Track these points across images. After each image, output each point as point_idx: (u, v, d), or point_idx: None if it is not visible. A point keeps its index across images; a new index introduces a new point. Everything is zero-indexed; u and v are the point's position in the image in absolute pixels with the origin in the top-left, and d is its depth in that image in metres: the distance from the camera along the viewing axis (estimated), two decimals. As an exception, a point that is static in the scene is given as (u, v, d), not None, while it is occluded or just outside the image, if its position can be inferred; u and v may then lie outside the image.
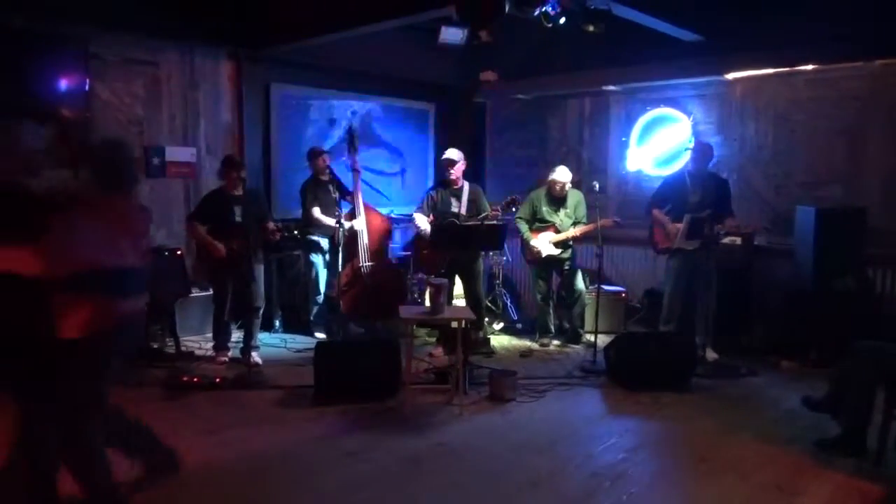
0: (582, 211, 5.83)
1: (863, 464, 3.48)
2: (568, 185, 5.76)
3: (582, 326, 6.00)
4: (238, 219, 4.97)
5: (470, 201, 5.49)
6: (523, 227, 5.85)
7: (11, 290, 2.55)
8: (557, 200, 5.80)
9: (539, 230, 5.82)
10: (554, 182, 5.74)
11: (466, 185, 5.53)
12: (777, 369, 5.22)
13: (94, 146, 2.96)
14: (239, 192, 5.07)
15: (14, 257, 2.50)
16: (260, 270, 5.14)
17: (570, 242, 5.81)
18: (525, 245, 5.87)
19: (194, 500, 3.10)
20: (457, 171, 5.46)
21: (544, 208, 5.81)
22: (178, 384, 4.56)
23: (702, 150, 5.36)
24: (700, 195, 5.25)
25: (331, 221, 5.49)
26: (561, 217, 5.77)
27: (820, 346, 5.14)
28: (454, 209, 5.47)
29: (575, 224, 5.78)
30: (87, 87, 5.27)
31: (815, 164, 5.80)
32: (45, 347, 2.56)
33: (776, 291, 5.67)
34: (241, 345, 5.18)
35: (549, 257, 5.77)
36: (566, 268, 5.88)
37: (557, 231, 5.76)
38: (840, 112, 5.64)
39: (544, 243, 5.75)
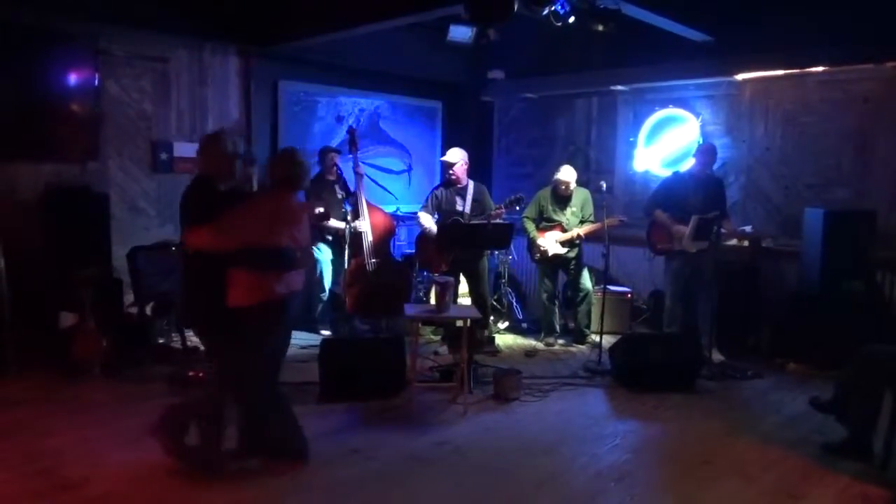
0: (589, 209, 5.82)
1: (868, 468, 3.46)
2: (573, 185, 5.75)
3: (588, 326, 5.99)
4: None
5: (474, 200, 5.49)
6: (530, 226, 5.85)
7: (199, 265, 3.19)
8: (563, 199, 5.79)
9: (545, 229, 5.81)
10: (558, 181, 5.74)
11: (471, 184, 5.53)
12: (783, 372, 5.20)
13: (277, 153, 3.57)
14: (248, 187, 5.08)
15: (196, 236, 3.13)
16: None
17: (577, 241, 5.80)
18: (532, 244, 5.86)
19: (198, 495, 3.11)
20: (457, 172, 5.45)
21: (550, 207, 5.80)
22: (183, 380, 4.57)
23: (706, 152, 5.34)
24: (702, 196, 5.23)
25: (339, 224, 5.49)
26: (567, 216, 5.76)
27: (826, 348, 5.12)
28: (458, 208, 5.47)
29: (582, 223, 5.77)
30: (96, 83, 5.29)
31: (823, 167, 5.77)
32: (219, 315, 3.14)
33: (783, 293, 5.65)
34: None
35: (556, 256, 5.76)
36: (572, 267, 5.87)
37: (564, 230, 5.75)
38: (850, 114, 5.60)
39: (551, 242, 5.74)
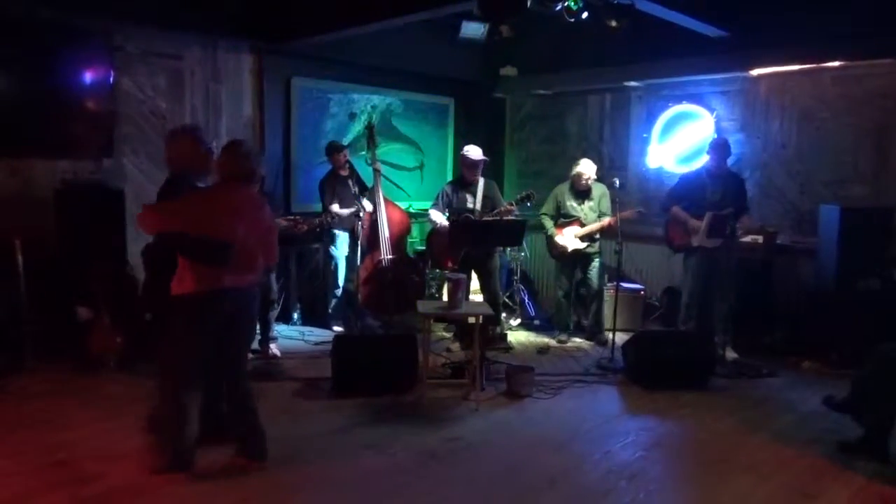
0: (606, 204, 5.77)
1: (884, 468, 3.43)
2: (592, 178, 5.71)
3: (599, 325, 5.95)
4: None
5: (485, 196, 5.49)
6: (548, 222, 5.81)
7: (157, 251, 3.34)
8: (581, 193, 5.75)
9: (563, 226, 5.78)
10: (578, 175, 5.70)
11: (481, 181, 5.53)
12: (798, 370, 5.15)
13: (223, 148, 3.37)
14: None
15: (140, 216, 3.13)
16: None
17: (597, 237, 5.75)
18: (550, 241, 5.83)
19: (210, 490, 3.13)
20: (479, 171, 5.47)
21: (568, 203, 5.76)
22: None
23: (720, 147, 5.30)
24: (720, 193, 5.19)
25: (350, 210, 5.50)
26: (585, 210, 5.72)
27: (842, 347, 5.07)
28: (469, 205, 5.47)
29: (600, 217, 5.73)
30: (111, 80, 5.33)
31: (840, 163, 5.70)
32: (164, 301, 3.14)
33: (798, 291, 5.60)
34: (259, 337, 5.22)
35: (576, 251, 5.73)
36: (592, 266, 5.82)
37: (582, 225, 5.71)
38: (867, 110, 5.54)
39: (570, 238, 5.70)
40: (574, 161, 5.86)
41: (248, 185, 3.30)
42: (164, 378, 3.25)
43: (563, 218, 5.78)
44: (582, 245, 5.71)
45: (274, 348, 5.18)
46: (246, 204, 3.26)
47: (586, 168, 5.68)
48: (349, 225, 5.72)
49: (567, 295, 5.94)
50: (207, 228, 3.10)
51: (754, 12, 5.49)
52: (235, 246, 3.12)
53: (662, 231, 5.59)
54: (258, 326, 5.25)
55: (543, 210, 5.84)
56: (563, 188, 5.83)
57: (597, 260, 5.83)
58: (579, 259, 5.81)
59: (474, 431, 3.89)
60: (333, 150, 5.85)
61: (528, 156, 7.98)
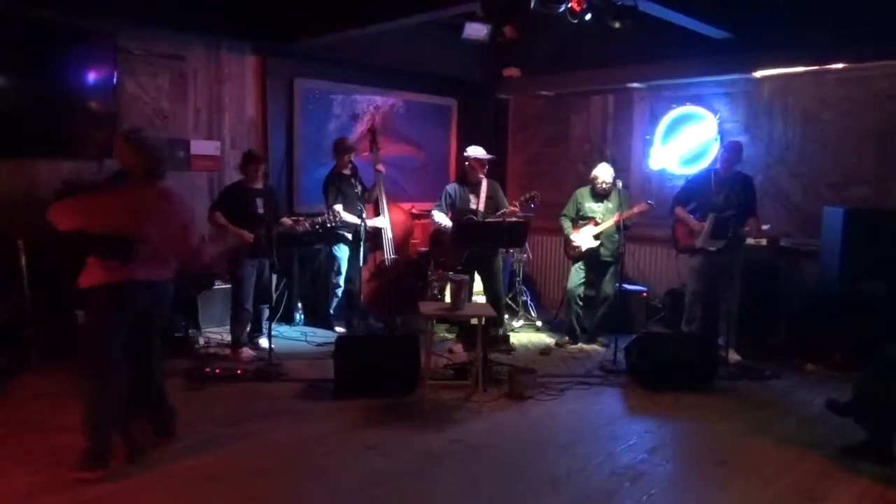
0: (625, 209, 5.74)
1: (888, 470, 3.42)
2: (609, 181, 5.69)
3: (603, 328, 5.91)
4: (260, 210, 5.03)
5: (488, 197, 5.48)
6: (566, 223, 5.81)
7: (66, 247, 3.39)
8: (600, 196, 5.75)
9: (580, 226, 5.76)
10: (595, 178, 5.70)
11: (484, 181, 5.52)
12: (801, 372, 5.14)
13: (119, 138, 3.36)
14: (259, 185, 5.14)
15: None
16: (266, 264, 5.16)
17: (615, 238, 5.72)
18: (566, 241, 5.83)
19: (213, 491, 3.13)
20: (485, 169, 5.47)
21: (587, 205, 5.75)
22: (200, 376, 4.62)
23: (731, 149, 5.29)
24: (724, 195, 5.19)
25: (355, 219, 5.49)
26: (602, 211, 5.71)
27: (846, 349, 5.06)
28: (472, 206, 5.46)
29: None
30: (115, 81, 5.34)
31: (843, 165, 5.69)
32: (75, 293, 3.25)
33: (802, 293, 5.59)
34: (248, 331, 5.27)
35: (590, 251, 5.71)
36: (610, 272, 5.77)
37: (597, 224, 5.70)
38: (871, 111, 5.52)
39: (585, 237, 5.69)
40: (574, 164, 5.84)
41: (151, 180, 3.30)
42: (83, 374, 3.31)
43: (582, 220, 5.78)
44: (595, 244, 5.68)
45: (261, 342, 5.22)
46: (151, 201, 3.30)
47: (602, 172, 5.68)
48: (353, 226, 5.71)
49: (577, 298, 5.91)
50: (110, 227, 3.19)
51: (758, 14, 5.47)
52: (137, 243, 3.21)
53: (670, 232, 5.58)
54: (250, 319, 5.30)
55: (564, 212, 5.86)
56: (584, 190, 5.83)
57: (612, 267, 5.80)
58: (595, 264, 5.78)
59: (476, 433, 3.89)
60: (343, 149, 5.78)
61: (531, 157, 7.97)
